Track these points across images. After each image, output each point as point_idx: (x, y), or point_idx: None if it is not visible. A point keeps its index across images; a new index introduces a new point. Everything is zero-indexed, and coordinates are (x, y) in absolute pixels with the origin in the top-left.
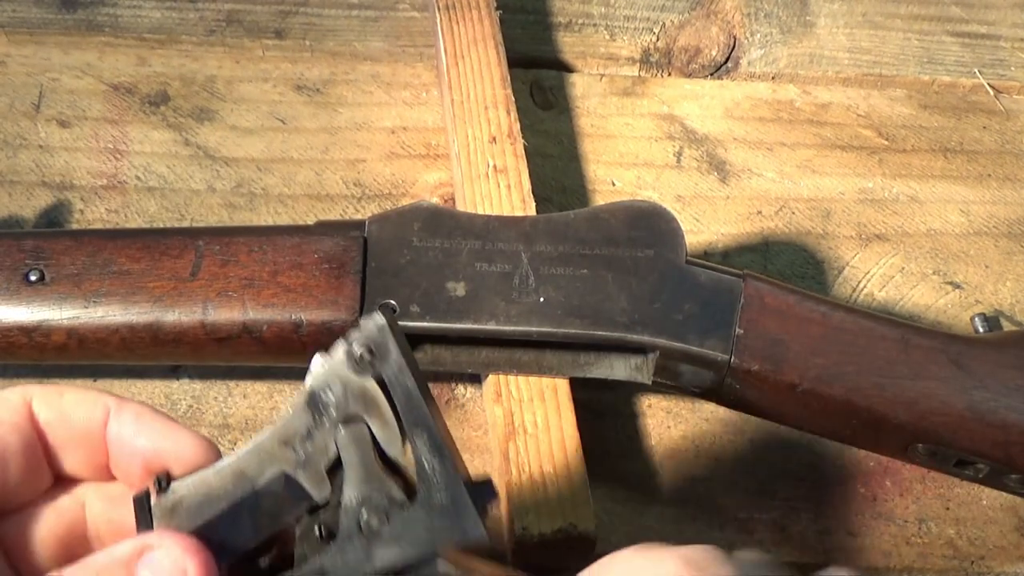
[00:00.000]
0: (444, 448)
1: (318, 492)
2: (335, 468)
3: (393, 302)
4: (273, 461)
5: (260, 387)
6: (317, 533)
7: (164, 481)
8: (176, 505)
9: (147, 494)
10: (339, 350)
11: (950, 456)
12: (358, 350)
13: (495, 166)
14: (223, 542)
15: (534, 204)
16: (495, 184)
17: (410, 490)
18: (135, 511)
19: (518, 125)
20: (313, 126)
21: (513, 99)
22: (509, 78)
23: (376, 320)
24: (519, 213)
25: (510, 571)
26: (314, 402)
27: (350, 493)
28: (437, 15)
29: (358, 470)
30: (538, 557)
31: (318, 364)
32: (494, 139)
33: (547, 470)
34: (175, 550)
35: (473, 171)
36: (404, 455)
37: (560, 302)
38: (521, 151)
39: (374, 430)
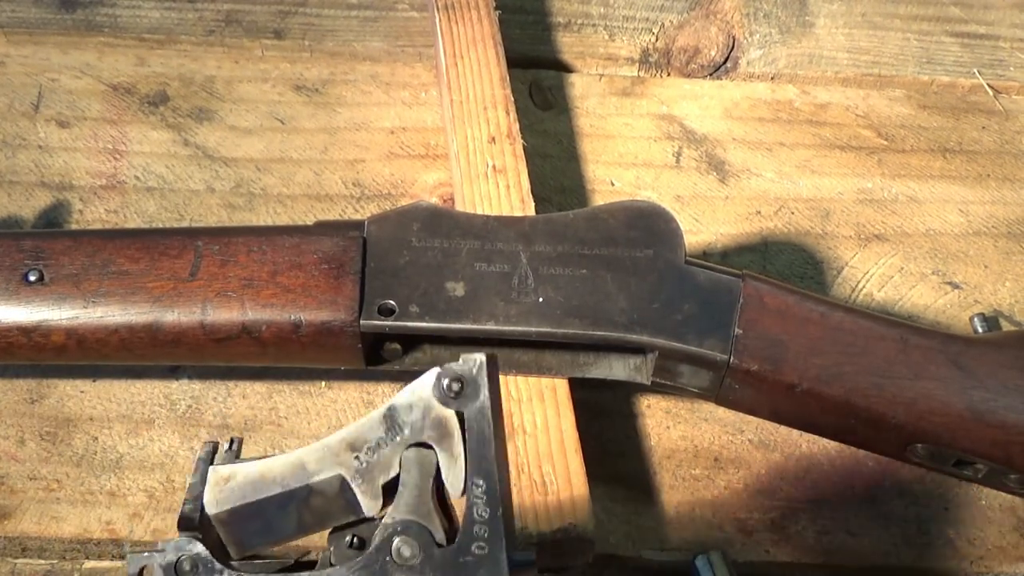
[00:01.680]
0: (499, 505)
1: (369, 506)
2: (390, 485)
3: (392, 302)
4: (335, 462)
5: (259, 387)
6: (348, 540)
7: (236, 445)
8: (232, 476)
9: (215, 449)
10: (432, 375)
11: (949, 456)
12: (449, 381)
13: (494, 166)
14: (265, 526)
15: (533, 204)
16: (494, 184)
17: (452, 532)
18: (198, 458)
19: (517, 125)
20: (312, 126)
21: (512, 99)
22: (508, 78)
23: (479, 357)
24: (518, 213)
25: None
26: (392, 417)
27: (395, 514)
28: (436, 15)
29: (411, 496)
30: (538, 557)
31: (410, 385)
32: (493, 139)
33: (546, 470)
34: None
35: (472, 171)
36: (459, 496)
37: (559, 302)
38: (520, 151)
39: (440, 462)
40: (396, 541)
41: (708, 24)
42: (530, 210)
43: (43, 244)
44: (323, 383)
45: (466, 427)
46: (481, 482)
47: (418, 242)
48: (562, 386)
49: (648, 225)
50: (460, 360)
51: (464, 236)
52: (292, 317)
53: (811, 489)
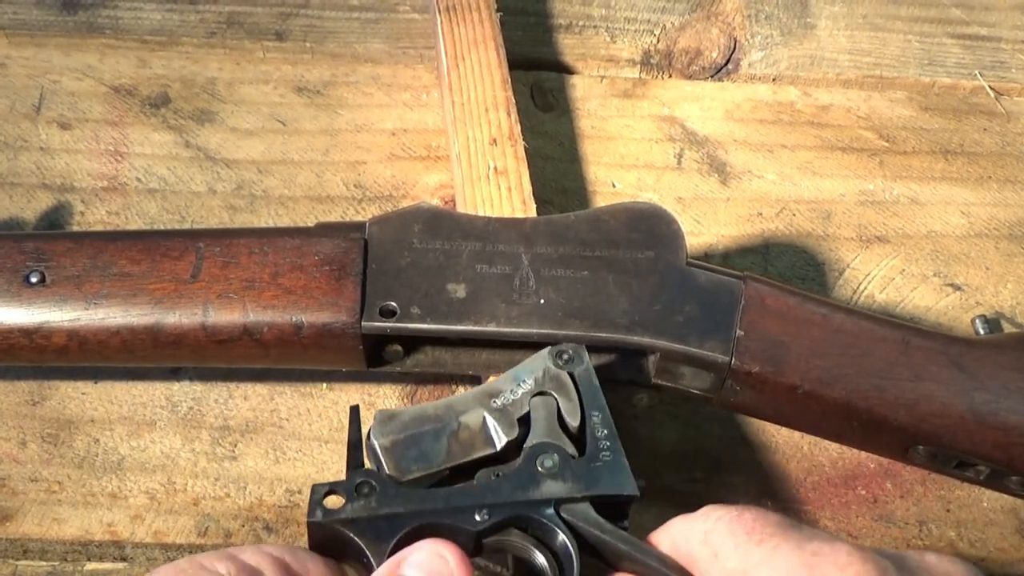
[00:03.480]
0: (612, 426)
1: (507, 434)
2: (522, 420)
3: (394, 304)
4: (478, 404)
5: (261, 389)
6: (491, 474)
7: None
8: (395, 415)
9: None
10: (545, 351)
11: (951, 458)
12: (559, 352)
13: (496, 168)
14: (421, 454)
15: (535, 206)
16: (496, 186)
17: (579, 451)
18: (350, 416)
19: (519, 127)
20: (313, 128)
21: (514, 101)
22: (510, 80)
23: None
24: (520, 215)
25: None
26: (517, 377)
27: (532, 440)
28: (438, 17)
29: (543, 425)
30: None
31: (526, 360)
32: (495, 141)
33: None
34: (429, 546)
35: (474, 173)
36: (577, 424)
37: (560, 304)
38: (522, 153)
39: (560, 403)
40: (539, 456)
41: (709, 26)
42: (532, 212)
43: (44, 246)
44: (324, 385)
45: (576, 382)
46: (596, 412)
47: (419, 244)
48: None
49: (649, 227)
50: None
51: (465, 238)
52: (293, 319)
53: (812, 491)
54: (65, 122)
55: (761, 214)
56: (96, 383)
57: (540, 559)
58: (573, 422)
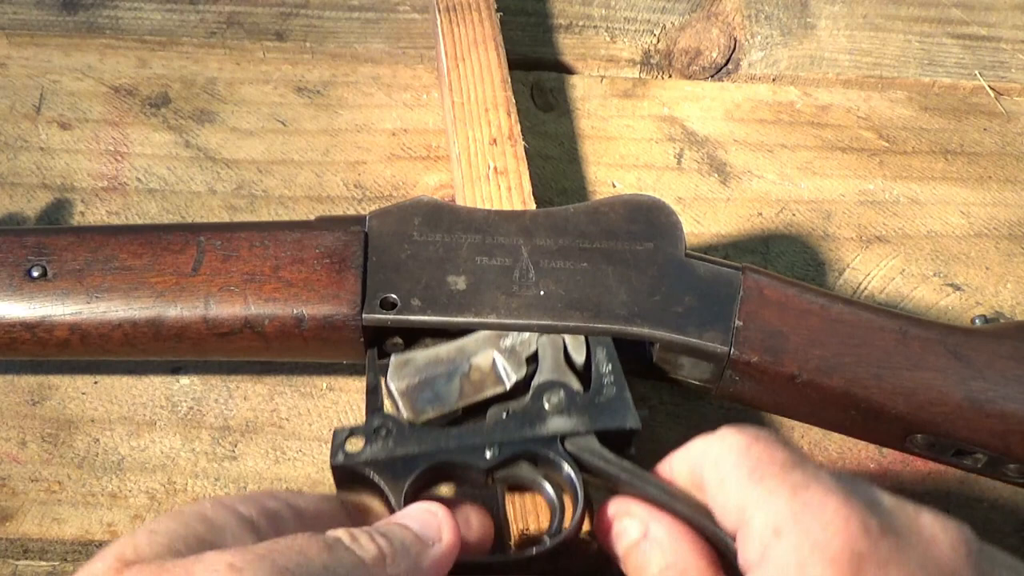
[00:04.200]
0: (616, 361)
1: (516, 373)
2: (530, 359)
3: (394, 296)
4: (488, 345)
5: (261, 389)
6: (501, 412)
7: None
8: (409, 359)
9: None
10: None
11: (948, 446)
12: None
13: (496, 168)
14: (435, 395)
15: (535, 206)
16: (496, 186)
17: (584, 387)
18: (368, 362)
19: (519, 127)
20: (314, 128)
21: (514, 101)
22: (510, 80)
23: None
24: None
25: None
26: None
27: (539, 379)
28: (438, 17)
29: (550, 364)
30: (539, 559)
31: None
32: (495, 141)
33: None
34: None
35: (474, 173)
36: (582, 361)
37: (560, 295)
38: (522, 153)
39: (566, 341)
40: (546, 393)
41: (709, 26)
42: None
43: (46, 240)
44: (324, 384)
45: None
46: (600, 349)
47: (419, 236)
48: None
49: (648, 218)
50: None
51: (465, 230)
52: (294, 311)
53: None
54: (65, 122)
55: (761, 214)
56: (96, 383)
57: (548, 491)
58: (579, 358)
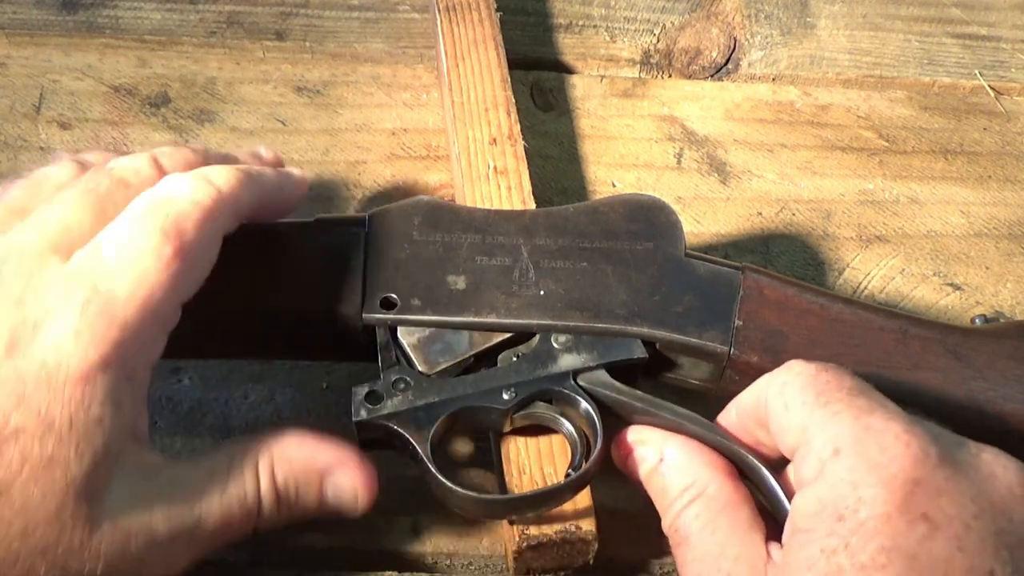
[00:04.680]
0: None
1: None
2: None
3: (394, 296)
4: None
5: (261, 389)
6: (515, 357)
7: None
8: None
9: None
10: None
11: None
12: None
13: (495, 168)
14: (446, 346)
15: (535, 206)
16: (495, 186)
17: None
18: (378, 320)
19: (519, 127)
20: (313, 128)
21: (514, 100)
22: (510, 79)
23: None
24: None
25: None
26: None
27: None
28: (437, 16)
29: None
30: (539, 559)
31: None
32: (494, 141)
33: (548, 471)
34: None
35: (474, 173)
36: None
37: (560, 295)
38: (522, 153)
39: None
40: (552, 334)
41: (709, 25)
42: None
43: None
44: (324, 384)
45: None
46: None
47: (419, 236)
48: None
49: (648, 218)
50: None
51: (465, 230)
52: (295, 311)
53: None
54: (65, 122)
55: (761, 214)
56: None
57: (567, 426)
58: None
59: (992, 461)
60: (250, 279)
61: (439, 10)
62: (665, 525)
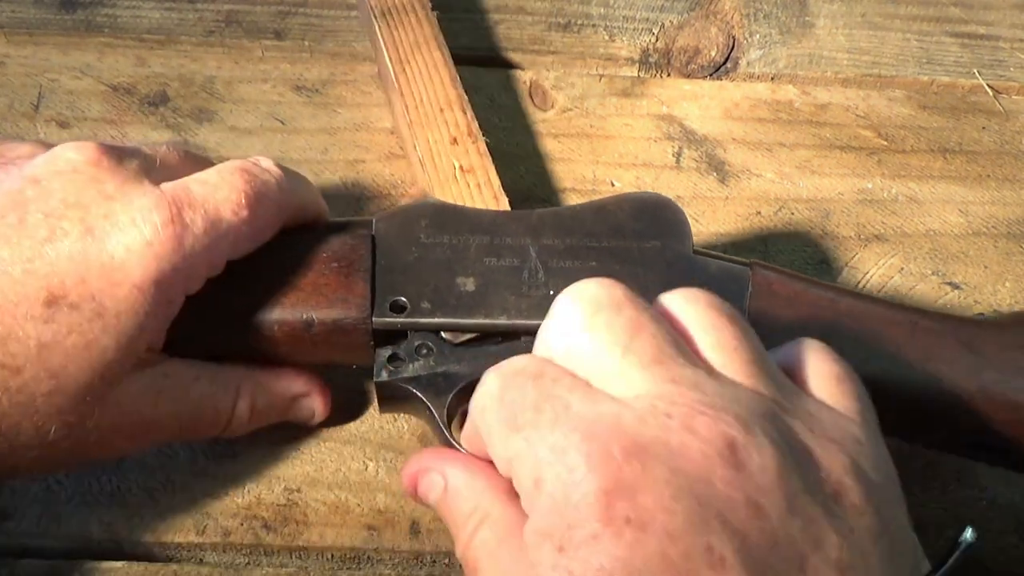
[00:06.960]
0: None
1: None
2: None
3: (404, 299)
4: None
5: None
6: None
7: None
8: None
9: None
10: None
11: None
12: None
13: (461, 167)
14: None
15: (507, 200)
16: (464, 185)
17: None
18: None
19: (476, 123)
20: (312, 127)
21: (466, 97)
22: (458, 77)
23: None
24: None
25: None
26: None
27: None
28: (375, 22)
29: None
30: None
31: None
32: (455, 140)
33: None
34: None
35: (441, 175)
36: None
37: None
38: (484, 149)
39: None
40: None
41: (708, 24)
42: (504, 206)
43: None
44: None
45: None
46: None
47: (427, 238)
48: None
49: (655, 216)
50: None
51: (472, 231)
52: (304, 316)
53: None
54: (64, 121)
55: (760, 213)
56: None
57: None
58: None
59: (680, 429)
60: (256, 283)
61: (375, 16)
62: (458, 554)
